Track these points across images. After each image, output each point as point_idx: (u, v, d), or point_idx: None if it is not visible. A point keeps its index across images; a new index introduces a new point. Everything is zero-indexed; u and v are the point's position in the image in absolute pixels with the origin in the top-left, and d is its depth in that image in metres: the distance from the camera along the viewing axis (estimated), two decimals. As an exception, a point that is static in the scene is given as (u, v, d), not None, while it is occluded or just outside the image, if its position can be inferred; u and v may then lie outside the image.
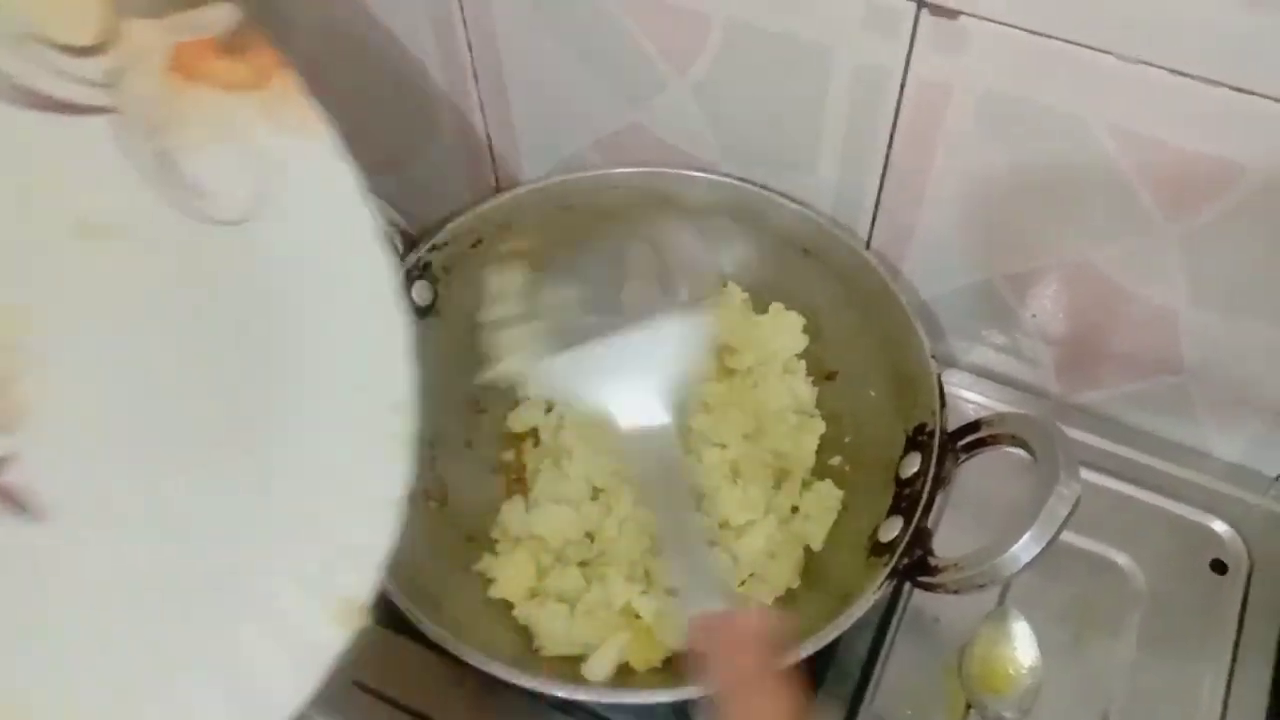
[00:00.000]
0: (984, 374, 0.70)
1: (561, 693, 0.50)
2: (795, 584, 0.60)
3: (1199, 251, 0.56)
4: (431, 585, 0.58)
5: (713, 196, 0.66)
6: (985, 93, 0.54)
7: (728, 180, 0.65)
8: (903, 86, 0.56)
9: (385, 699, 0.60)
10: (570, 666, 0.55)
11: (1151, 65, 0.48)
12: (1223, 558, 0.63)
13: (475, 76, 0.69)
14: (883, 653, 0.60)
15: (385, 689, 0.60)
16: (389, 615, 0.62)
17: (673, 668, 0.54)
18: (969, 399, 0.69)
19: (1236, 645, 0.59)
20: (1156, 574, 0.62)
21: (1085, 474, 0.48)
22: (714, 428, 0.63)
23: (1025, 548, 0.46)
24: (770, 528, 0.60)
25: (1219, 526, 0.64)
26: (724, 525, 0.60)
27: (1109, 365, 0.66)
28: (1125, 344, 0.63)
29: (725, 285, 0.68)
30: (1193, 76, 0.48)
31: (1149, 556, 0.62)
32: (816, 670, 0.59)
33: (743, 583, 0.59)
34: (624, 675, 0.54)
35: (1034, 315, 0.65)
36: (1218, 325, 0.59)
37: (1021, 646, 0.57)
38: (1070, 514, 0.46)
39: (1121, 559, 0.63)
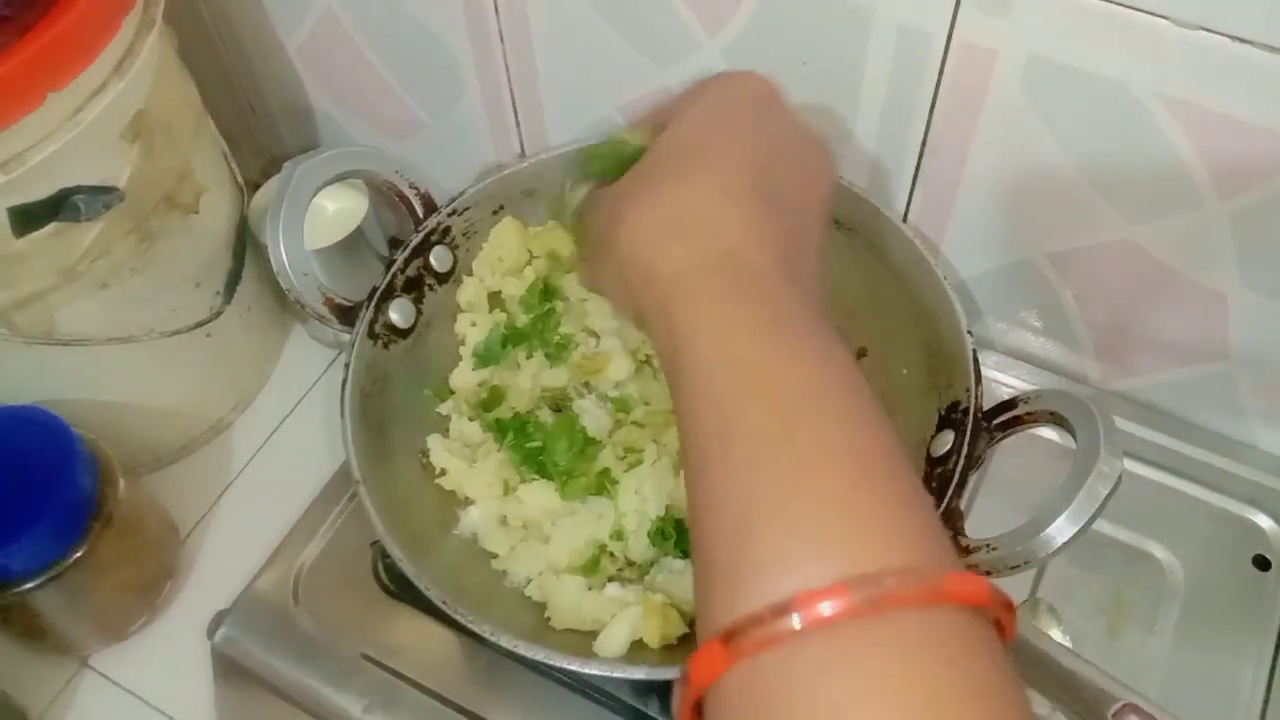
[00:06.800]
0: (1021, 357, 0.68)
1: (570, 665, 0.49)
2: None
3: (1253, 231, 0.53)
4: (443, 558, 0.56)
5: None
6: (1032, 59, 0.51)
7: (758, 149, 0.63)
8: (946, 51, 0.53)
9: (392, 672, 0.59)
10: (583, 643, 0.53)
11: (1211, 31, 0.46)
12: (1266, 553, 0.60)
13: (501, 37, 0.67)
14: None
15: (392, 662, 0.59)
16: (398, 587, 0.61)
17: (690, 645, 0.53)
18: (1004, 382, 0.67)
19: (1279, 645, 0.57)
20: (1196, 568, 0.60)
21: (1123, 463, 0.46)
22: None
23: (1062, 528, 0.44)
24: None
25: (1263, 521, 0.61)
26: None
27: (1152, 350, 0.63)
28: (1170, 327, 0.61)
29: None
30: (1255, 44, 0.45)
31: (1188, 550, 0.61)
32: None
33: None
34: (637, 652, 0.52)
35: (1075, 296, 0.63)
36: (1269, 309, 0.56)
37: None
38: (1111, 493, 0.43)
39: (1159, 551, 0.61)
